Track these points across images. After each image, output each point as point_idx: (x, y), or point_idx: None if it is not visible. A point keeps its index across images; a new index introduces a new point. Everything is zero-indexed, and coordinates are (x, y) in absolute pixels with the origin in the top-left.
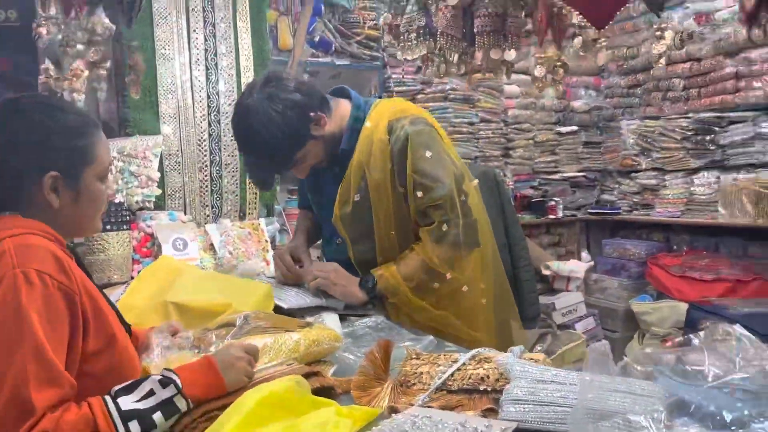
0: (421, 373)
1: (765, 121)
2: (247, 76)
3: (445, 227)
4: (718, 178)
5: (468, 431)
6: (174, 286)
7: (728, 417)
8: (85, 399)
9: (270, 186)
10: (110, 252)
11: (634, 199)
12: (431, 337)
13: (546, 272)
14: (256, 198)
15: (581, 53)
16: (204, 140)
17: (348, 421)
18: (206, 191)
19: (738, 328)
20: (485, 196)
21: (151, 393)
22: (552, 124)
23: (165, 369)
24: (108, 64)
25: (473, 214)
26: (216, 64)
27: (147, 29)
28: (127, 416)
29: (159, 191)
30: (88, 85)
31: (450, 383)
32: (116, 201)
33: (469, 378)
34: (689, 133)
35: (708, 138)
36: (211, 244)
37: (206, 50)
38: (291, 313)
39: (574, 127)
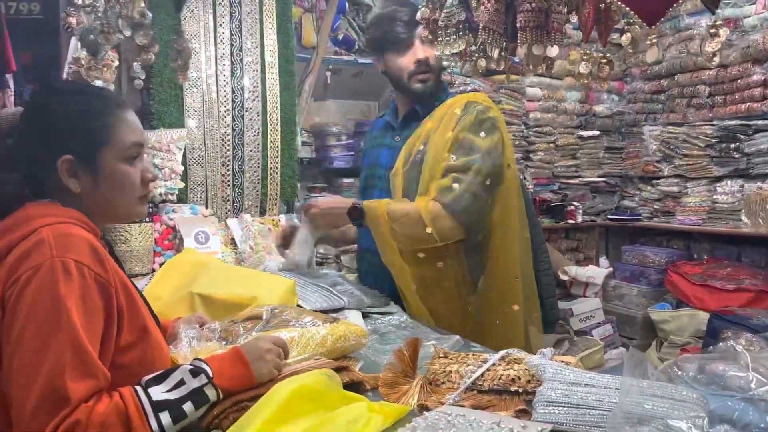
0: (450, 372)
1: None
2: (272, 72)
3: (453, 187)
4: (742, 186)
5: (503, 431)
6: (199, 278)
7: None
8: (116, 389)
9: None
10: (132, 243)
11: (655, 206)
12: (457, 337)
13: (564, 277)
14: (276, 194)
15: (630, 50)
16: (227, 135)
17: (380, 417)
18: (228, 186)
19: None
20: None
21: (181, 383)
22: (573, 128)
23: (195, 359)
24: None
25: (490, 204)
26: (241, 60)
27: (174, 22)
28: (158, 407)
29: (182, 184)
30: (121, 75)
31: (480, 383)
32: None
33: (500, 378)
34: (713, 141)
35: (733, 146)
36: (232, 239)
37: (232, 45)
38: None
39: (596, 132)
